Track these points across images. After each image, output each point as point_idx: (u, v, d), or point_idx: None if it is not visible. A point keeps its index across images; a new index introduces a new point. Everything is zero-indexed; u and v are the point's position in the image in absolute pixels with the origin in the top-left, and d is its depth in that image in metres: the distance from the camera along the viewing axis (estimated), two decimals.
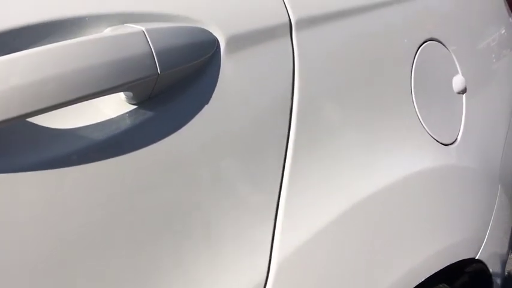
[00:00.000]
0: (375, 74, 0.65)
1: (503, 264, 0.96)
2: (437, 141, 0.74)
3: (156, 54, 0.41)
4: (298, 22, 0.56)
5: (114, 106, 0.44)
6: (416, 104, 0.71)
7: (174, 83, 0.46)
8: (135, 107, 0.44)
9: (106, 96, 0.43)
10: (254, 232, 0.50)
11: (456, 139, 0.79)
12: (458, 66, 0.83)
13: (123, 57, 0.40)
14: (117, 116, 0.43)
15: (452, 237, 0.74)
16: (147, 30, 0.41)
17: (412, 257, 0.64)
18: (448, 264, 0.73)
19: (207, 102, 0.47)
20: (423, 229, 0.68)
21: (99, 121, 0.43)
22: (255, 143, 0.51)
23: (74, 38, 0.41)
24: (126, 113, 0.44)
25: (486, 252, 0.84)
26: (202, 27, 0.48)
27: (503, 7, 0.99)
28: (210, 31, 0.48)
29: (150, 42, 0.41)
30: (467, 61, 0.86)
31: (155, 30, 0.42)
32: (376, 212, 0.59)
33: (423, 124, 0.72)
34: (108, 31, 0.43)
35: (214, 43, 0.48)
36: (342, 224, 0.55)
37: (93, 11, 0.43)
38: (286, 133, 0.54)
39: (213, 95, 0.48)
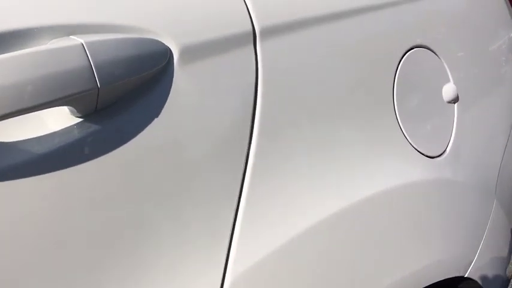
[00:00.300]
0: (351, 84, 0.62)
1: (503, 283, 0.91)
2: (421, 153, 0.71)
3: (95, 68, 0.40)
4: (263, 31, 0.54)
5: (60, 119, 0.44)
6: (399, 114, 0.68)
7: (123, 95, 0.45)
8: (80, 120, 0.44)
9: (51, 109, 0.43)
10: (208, 249, 0.49)
11: (445, 151, 0.75)
12: (449, 74, 0.79)
13: (60, 71, 0.39)
14: (61, 129, 0.43)
15: (437, 254, 0.70)
16: (86, 43, 0.40)
17: (387, 277, 0.62)
18: (433, 282, 0.70)
19: (157, 115, 0.46)
20: (403, 247, 0.65)
21: (41, 134, 0.42)
22: (211, 159, 0.49)
23: (16, 50, 0.41)
24: (70, 126, 0.43)
25: (478, 270, 0.80)
26: (154, 37, 0.47)
27: (505, 10, 0.94)
28: (162, 41, 0.47)
29: (89, 55, 0.40)
30: (461, 69, 0.82)
31: (96, 43, 0.41)
32: (343, 230, 0.57)
33: (406, 135, 0.69)
34: (51, 43, 0.42)
35: (166, 54, 0.47)
36: (302, 243, 0.53)
37: (38, 23, 0.42)
38: (246, 150, 0.52)
39: (164, 107, 0.47)
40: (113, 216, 0.44)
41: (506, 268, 0.91)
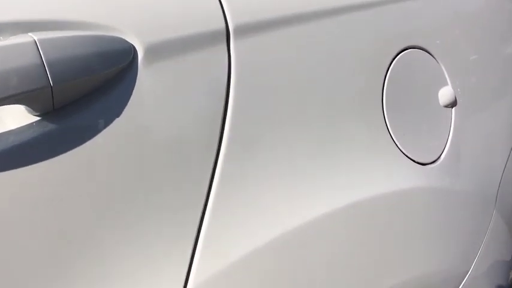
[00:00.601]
0: (333, 86, 0.59)
1: None
2: (411, 159, 0.67)
3: (47, 65, 0.39)
4: (237, 29, 0.52)
5: (18, 117, 0.43)
6: (388, 118, 0.65)
7: (83, 94, 0.44)
8: (38, 118, 0.43)
9: (10, 108, 0.42)
10: (170, 256, 0.47)
11: (438, 158, 0.72)
12: (447, 77, 0.75)
13: (12, 68, 0.38)
14: (18, 128, 0.42)
15: (423, 268, 0.67)
16: (39, 40, 0.39)
17: None
18: None
19: (118, 115, 0.45)
20: (383, 260, 0.62)
21: None
22: (176, 162, 0.48)
23: None
24: (27, 124, 0.42)
25: (474, 280, 0.76)
26: (119, 35, 0.45)
27: None
28: (126, 39, 0.45)
29: (41, 53, 0.39)
30: (461, 73, 0.78)
31: (50, 40, 0.40)
32: (318, 240, 0.54)
33: (394, 140, 0.65)
34: (4, 40, 0.41)
35: (129, 52, 0.45)
36: (271, 253, 0.50)
37: None
38: (215, 153, 0.50)
39: (127, 107, 0.45)
40: (67, 219, 0.43)
41: (508, 278, 0.86)
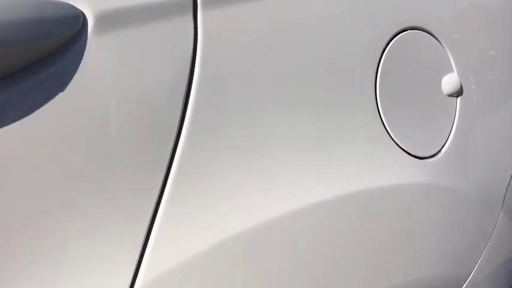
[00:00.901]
0: (316, 68, 0.53)
1: None
2: (407, 152, 0.61)
3: None
4: None
5: None
6: (381, 106, 0.59)
7: (24, 63, 0.39)
8: None
9: None
10: (118, 250, 0.43)
11: (439, 152, 0.65)
12: (453, 63, 0.68)
13: None
14: None
15: (420, 270, 0.61)
16: None
17: None
18: None
19: (61, 88, 0.40)
20: (374, 261, 0.56)
21: None
22: (129, 143, 0.43)
23: None
24: None
25: (477, 283, 0.69)
26: (66, 0, 0.41)
27: None
28: (75, 5, 0.41)
29: None
30: (470, 59, 0.70)
31: None
32: (281, 239, 0.48)
33: (388, 131, 0.59)
34: None
35: (78, 19, 0.41)
36: (227, 250, 0.45)
37: None
38: (174, 137, 0.45)
39: (72, 80, 0.41)
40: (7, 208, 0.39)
41: None
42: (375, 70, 0.59)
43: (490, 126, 0.72)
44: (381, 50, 0.59)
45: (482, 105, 0.71)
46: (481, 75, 0.72)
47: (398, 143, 0.60)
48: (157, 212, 0.44)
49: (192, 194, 0.45)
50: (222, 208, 0.45)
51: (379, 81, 0.59)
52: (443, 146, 0.65)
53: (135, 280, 0.42)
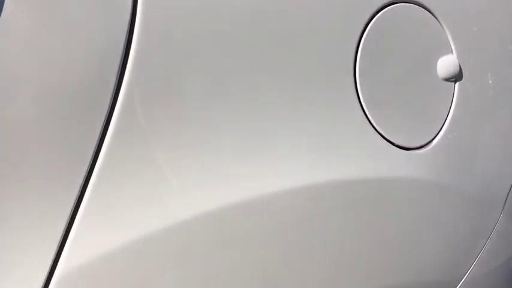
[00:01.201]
0: (282, 41, 0.47)
1: None
2: (389, 141, 0.54)
3: None
4: None
5: None
6: (361, 87, 0.52)
7: None
8: None
9: None
10: (35, 241, 0.38)
11: (428, 143, 0.57)
12: (452, 44, 0.60)
13: None
14: None
15: (402, 271, 0.54)
16: None
17: None
18: None
19: None
20: (347, 261, 0.50)
21: None
22: (51, 116, 0.38)
23: None
24: None
25: (472, 284, 0.62)
26: None
27: None
28: None
29: None
30: (473, 41, 0.62)
31: None
32: (211, 237, 0.42)
33: (368, 116, 0.52)
34: None
35: None
36: (150, 245, 0.40)
37: None
38: (103, 120, 0.39)
39: None
40: None
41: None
42: (355, 47, 0.52)
43: (494, 117, 0.63)
44: (363, 25, 0.52)
45: (485, 92, 0.63)
46: (485, 60, 0.63)
47: (379, 130, 0.53)
48: (80, 202, 0.39)
49: (119, 186, 0.40)
50: (154, 201, 0.40)
51: (360, 59, 0.52)
52: (434, 137, 0.58)
53: (53, 272, 0.38)
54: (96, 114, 0.39)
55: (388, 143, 0.54)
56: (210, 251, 0.42)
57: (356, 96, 0.52)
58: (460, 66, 0.60)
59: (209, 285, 0.41)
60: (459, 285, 0.64)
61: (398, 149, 0.55)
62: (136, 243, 0.39)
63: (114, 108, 0.40)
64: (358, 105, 0.52)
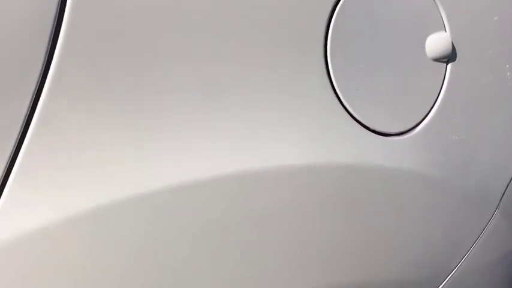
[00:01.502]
0: (238, 13, 0.42)
1: None
2: (364, 125, 0.49)
3: None
4: None
5: None
6: (332, 64, 0.47)
7: None
8: None
9: None
10: None
11: (411, 130, 0.52)
12: (446, 21, 0.54)
13: None
14: None
15: (370, 262, 0.49)
16: None
17: None
18: None
19: None
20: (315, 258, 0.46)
21: None
22: None
23: None
24: None
25: (458, 283, 0.57)
26: None
27: None
28: None
29: None
30: (471, 19, 0.55)
31: None
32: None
33: (340, 96, 0.47)
34: None
35: None
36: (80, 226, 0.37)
37: None
38: (29, 102, 0.36)
39: None
40: None
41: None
42: (326, 20, 0.47)
43: (496, 102, 0.57)
44: None
45: (481, 77, 0.56)
46: (485, 40, 0.57)
47: (352, 113, 0.48)
48: (12, 167, 0.37)
49: (53, 150, 0.37)
50: (90, 173, 0.37)
51: (332, 34, 0.47)
52: (419, 124, 0.52)
53: None
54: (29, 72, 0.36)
55: (362, 127, 0.49)
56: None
57: (326, 73, 0.47)
58: (453, 45, 0.53)
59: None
60: (444, 282, 0.58)
61: (374, 134, 0.49)
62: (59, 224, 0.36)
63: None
64: (330, 85, 0.47)
